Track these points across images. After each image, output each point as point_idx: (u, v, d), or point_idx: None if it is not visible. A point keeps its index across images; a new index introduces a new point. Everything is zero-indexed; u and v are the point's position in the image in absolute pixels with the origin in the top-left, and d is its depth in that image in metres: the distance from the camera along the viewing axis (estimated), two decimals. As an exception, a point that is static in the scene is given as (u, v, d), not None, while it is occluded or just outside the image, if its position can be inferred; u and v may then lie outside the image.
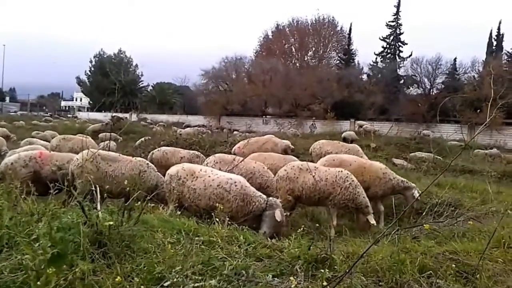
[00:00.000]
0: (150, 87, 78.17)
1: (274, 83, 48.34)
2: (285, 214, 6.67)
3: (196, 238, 4.51)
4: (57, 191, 5.41)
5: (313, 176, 7.61)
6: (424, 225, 5.49)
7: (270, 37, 62.08)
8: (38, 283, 2.82)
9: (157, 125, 40.28)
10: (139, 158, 8.43)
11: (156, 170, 8.12)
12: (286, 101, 48.66)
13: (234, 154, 11.89)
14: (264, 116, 51.15)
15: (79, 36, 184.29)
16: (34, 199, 4.97)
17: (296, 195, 7.85)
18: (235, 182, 6.63)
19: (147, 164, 8.06)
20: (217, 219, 5.19)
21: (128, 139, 21.91)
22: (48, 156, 8.36)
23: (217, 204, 5.26)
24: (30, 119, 43.31)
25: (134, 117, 54.69)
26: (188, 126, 38.60)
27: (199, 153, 11.56)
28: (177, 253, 3.94)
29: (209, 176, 6.74)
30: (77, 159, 7.63)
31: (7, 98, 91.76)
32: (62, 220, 3.26)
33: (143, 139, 18.88)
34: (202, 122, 49.86)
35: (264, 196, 6.74)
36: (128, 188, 5.80)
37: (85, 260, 3.24)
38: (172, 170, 7.08)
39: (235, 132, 24.19)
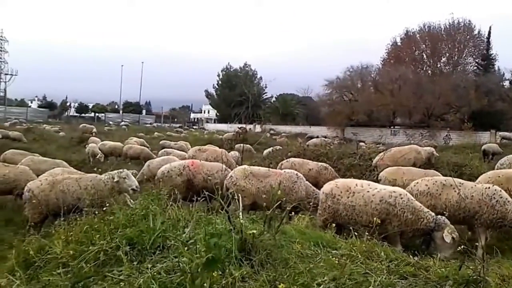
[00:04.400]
0: (274, 99, 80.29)
1: (404, 91, 46.21)
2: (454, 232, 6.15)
3: (334, 251, 4.44)
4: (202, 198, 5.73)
5: (458, 193, 7.01)
6: None
7: (399, 44, 59.63)
8: (194, 285, 3.00)
9: (279, 136, 41.06)
10: (288, 170, 8.65)
11: (305, 180, 8.24)
12: (416, 111, 46.38)
13: (376, 166, 11.56)
14: (392, 127, 49.20)
15: (208, 51, 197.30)
16: (180, 205, 5.35)
17: (438, 213, 7.22)
18: (400, 195, 6.33)
19: (297, 175, 8.19)
20: (356, 233, 5.05)
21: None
22: (199, 166, 8.97)
23: (375, 219, 5.06)
24: (164, 130, 47.26)
25: (257, 128, 56.48)
26: (311, 137, 38.65)
27: (327, 165, 11.38)
28: (317, 265, 3.90)
29: (368, 191, 6.47)
30: (231, 176, 8.07)
31: (144, 111, 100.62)
32: (216, 227, 3.42)
33: (270, 149, 19.30)
34: (325, 133, 49.38)
35: (433, 213, 6.33)
36: (284, 198, 5.94)
37: (235, 266, 3.38)
38: (326, 188, 6.95)
39: (361, 144, 23.48)
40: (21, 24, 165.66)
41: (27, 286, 3.78)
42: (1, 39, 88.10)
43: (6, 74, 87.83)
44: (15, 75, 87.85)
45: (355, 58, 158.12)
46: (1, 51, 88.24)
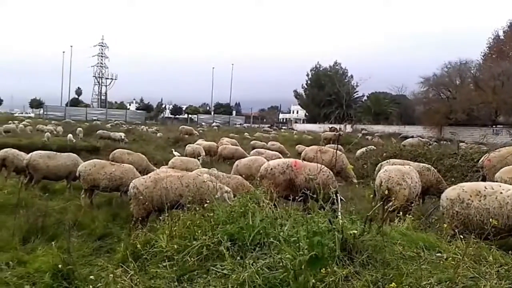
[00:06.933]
0: (365, 97, 78.30)
1: (507, 88, 42.93)
2: None
3: (438, 254, 4.24)
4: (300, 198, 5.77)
5: None
6: None
7: (502, 37, 55.75)
8: (297, 282, 3.03)
9: (372, 136, 39.97)
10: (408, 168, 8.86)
11: None
12: (521, 109, 42.68)
13: (481, 167, 10.84)
14: (494, 126, 45.73)
15: (297, 51, 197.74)
16: (276, 204, 5.43)
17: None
18: None
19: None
20: (461, 236, 4.77)
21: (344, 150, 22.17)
22: (302, 166, 9.08)
23: (490, 220, 4.76)
24: (254, 131, 48.05)
25: (348, 128, 55.50)
26: (405, 137, 37.15)
27: (430, 166, 10.79)
28: (421, 267, 3.76)
29: (501, 193, 6.08)
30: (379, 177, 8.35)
31: (234, 112, 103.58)
32: (320, 225, 3.44)
33: (364, 149, 18.83)
34: (421, 132, 47.36)
35: None
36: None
37: (338, 265, 3.36)
38: (450, 194, 6.52)
39: (461, 144, 22.06)
40: (118, 31, 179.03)
41: (138, 277, 4.03)
42: (102, 45, 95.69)
43: (106, 78, 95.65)
44: (115, 79, 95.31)
45: (453, 54, 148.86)
46: (102, 56, 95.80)
